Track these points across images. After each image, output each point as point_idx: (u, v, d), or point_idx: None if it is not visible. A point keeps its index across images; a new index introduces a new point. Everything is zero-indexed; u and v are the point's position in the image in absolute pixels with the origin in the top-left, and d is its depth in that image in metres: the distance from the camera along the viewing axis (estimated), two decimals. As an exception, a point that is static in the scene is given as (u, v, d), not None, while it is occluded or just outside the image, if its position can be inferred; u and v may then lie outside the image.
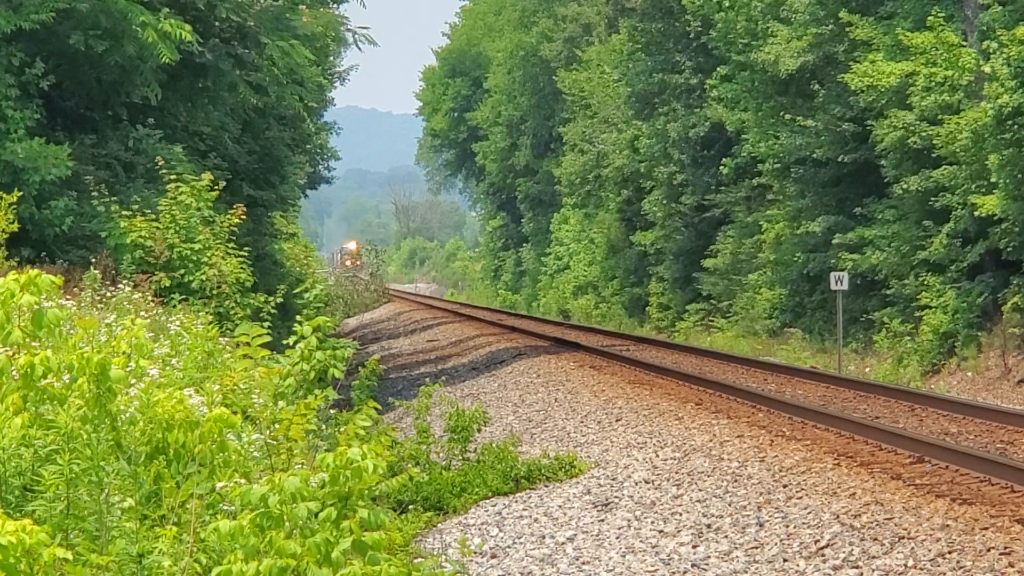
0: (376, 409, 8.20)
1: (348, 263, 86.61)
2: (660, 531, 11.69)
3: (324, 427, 9.84)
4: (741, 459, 14.36)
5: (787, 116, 30.71)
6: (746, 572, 10.25)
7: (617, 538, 11.64)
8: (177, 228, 20.54)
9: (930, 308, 25.88)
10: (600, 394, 21.25)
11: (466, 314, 51.13)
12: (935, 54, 25.28)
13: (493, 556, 11.53)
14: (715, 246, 38.73)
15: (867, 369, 27.10)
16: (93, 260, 18.83)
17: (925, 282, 26.19)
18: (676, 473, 14.02)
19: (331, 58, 44.26)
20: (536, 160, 64.25)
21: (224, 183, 23.14)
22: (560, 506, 13.07)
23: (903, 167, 26.88)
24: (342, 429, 7.96)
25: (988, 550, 9.83)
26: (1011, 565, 9.45)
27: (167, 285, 19.69)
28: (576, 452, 15.55)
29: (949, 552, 9.89)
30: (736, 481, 13.27)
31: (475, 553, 11.36)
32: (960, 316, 25.06)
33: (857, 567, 9.89)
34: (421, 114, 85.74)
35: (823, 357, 28.71)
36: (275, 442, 7.38)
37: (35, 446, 6.26)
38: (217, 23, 23.50)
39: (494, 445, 14.74)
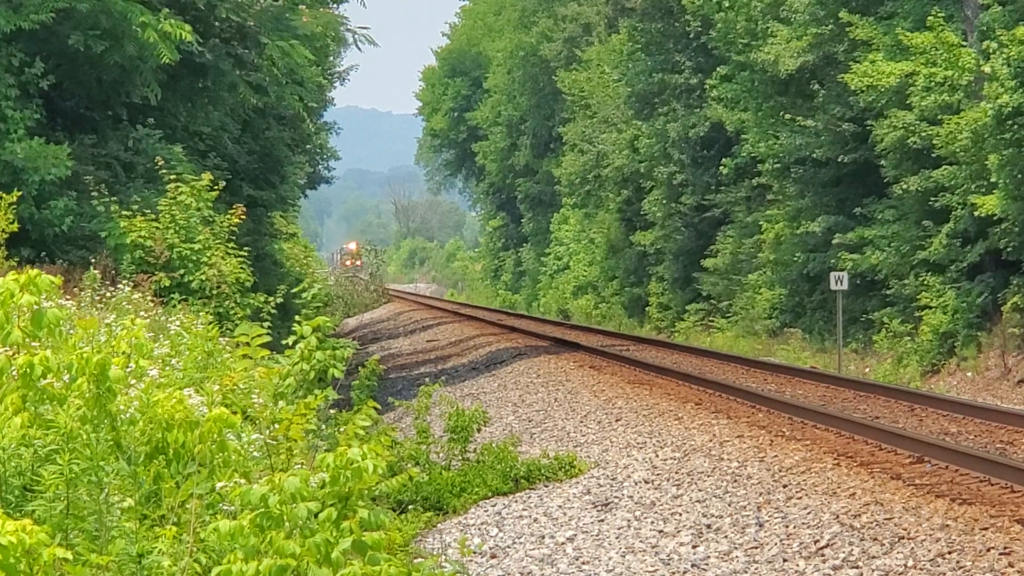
0: (376, 409, 8.19)
1: (348, 263, 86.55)
2: (660, 531, 11.68)
3: (324, 427, 9.83)
4: (741, 459, 14.36)
5: (787, 116, 30.70)
6: (746, 572, 10.25)
7: (617, 538, 11.64)
8: (177, 228, 20.53)
9: (930, 308, 25.87)
10: (600, 394, 21.24)
11: (466, 314, 51.13)
12: (935, 54, 25.27)
13: (493, 556, 11.53)
14: (715, 246, 38.72)
15: (867, 369, 27.09)
16: (93, 260, 18.81)
17: (925, 282, 26.19)
18: (676, 473, 14.02)
19: (331, 58, 44.25)
20: (536, 160, 64.24)
21: (224, 183, 23.13)
22: (560, 506, 13.07)
23: (903, 167, 26.87)
24: (342, 429, 7.97)
25: (988, 550, 9.83)
26: (1011, 565, 9.45)
27: (167, 285, 19.67)
28: (576, 452, 15.54)
29: (949, 552, 9.89)
30: (736, 481, 13.27)
31: (475, 553, 11.36)
32: (960, 316, 25.06)
33: (857, 567, 9.89)
34: (421, 114, 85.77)
35: (823, 357, 28.71)
36: (275, 442, 7.37)
37: (35, 446, 6.25)
38: (217, 23, 23.51)
39: (494, 445, 14.73)
